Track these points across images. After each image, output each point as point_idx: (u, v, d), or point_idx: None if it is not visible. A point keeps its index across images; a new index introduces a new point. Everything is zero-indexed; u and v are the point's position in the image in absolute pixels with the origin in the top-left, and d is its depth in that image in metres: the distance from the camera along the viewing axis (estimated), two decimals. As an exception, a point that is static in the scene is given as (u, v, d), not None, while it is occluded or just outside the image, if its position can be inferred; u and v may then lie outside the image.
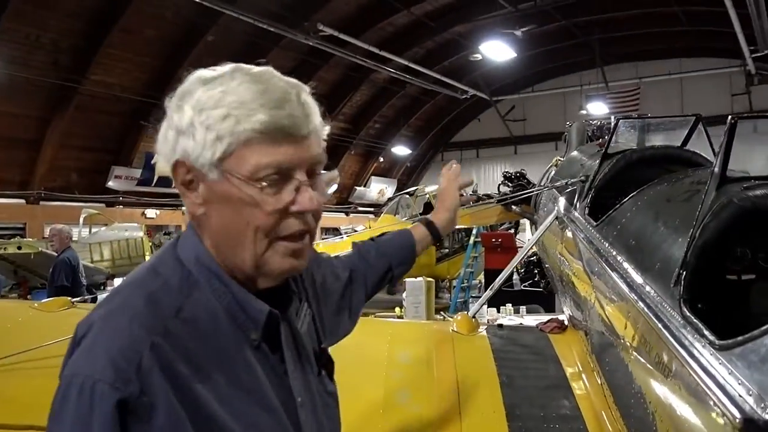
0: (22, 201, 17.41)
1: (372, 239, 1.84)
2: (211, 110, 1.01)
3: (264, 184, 1.02)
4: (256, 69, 1.06)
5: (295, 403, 1.12)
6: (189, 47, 16.87)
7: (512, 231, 12.69)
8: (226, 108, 1.01)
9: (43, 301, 3.70)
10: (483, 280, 11.21)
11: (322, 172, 1.12)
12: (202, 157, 1.03)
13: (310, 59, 20.28)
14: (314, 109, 1.08)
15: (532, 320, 4.95)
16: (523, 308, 6.84)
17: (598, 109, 22.18)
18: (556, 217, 3.76)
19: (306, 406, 1.14)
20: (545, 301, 8.00)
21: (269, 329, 1.11)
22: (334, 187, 24.72)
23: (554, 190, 4.39)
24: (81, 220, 14.54)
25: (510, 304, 6.92)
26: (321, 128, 1.10)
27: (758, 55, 17.81)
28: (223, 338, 1.07)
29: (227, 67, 1.07)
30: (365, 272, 1.67)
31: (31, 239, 13.85)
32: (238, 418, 1.03)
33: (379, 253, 1.77)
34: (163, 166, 1.09)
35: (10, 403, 2.45)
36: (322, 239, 15.20)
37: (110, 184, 18.53)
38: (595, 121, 6.05)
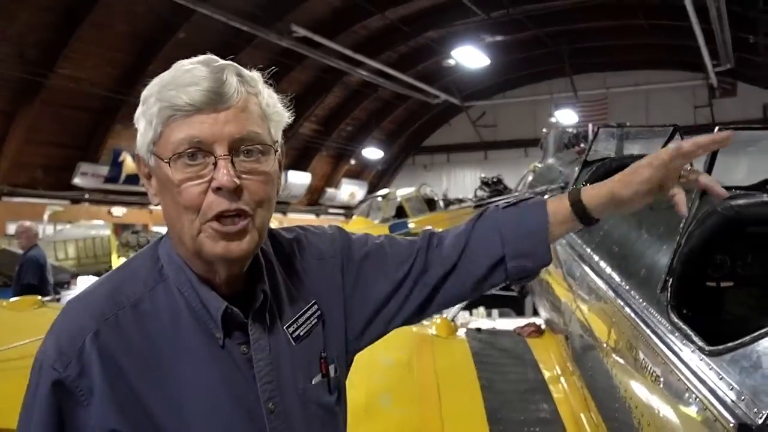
0: (-17, 197, 16.92)
1: (486, 212, 1.36)
2: (147, 100, 1.05)
3: (185, 161, 1.01)
4: (196, 57, 1.08)
5: (262, 410, 1.08)
6: (160, 44, 16.61)
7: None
8: (155, 95, 1.03)
9: (12, 300, 3.60)
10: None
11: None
12: (143, 146, 1.07)
13: (283, 60, 20.13)
14: (244, 89, 1.06)
15: (504, 323, 5.00)
16: (495, 311, 6.89)
17: (567, 117, 22.59)
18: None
19: (280, 415, 1.10)
20: (516, 305, 8.10)
21: (232, 328, 1.09)
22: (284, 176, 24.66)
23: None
24: (45, 217, 14.19)
25: (482, 307, 6.97)
26: (258, 108, 1.08)
27: (720, 69, 18.37)
28: (182, 335, 1.07)
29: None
30: (443, 265, 1.30)
31: (-8, 236, 13.46)
32: (186, 416, 1.03)
33: (484, 236, 1.30)
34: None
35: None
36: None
37: (76, 180, 18.09)
38: (571, 129, 6.14)
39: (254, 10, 16.27)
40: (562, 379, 3.05)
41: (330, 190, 28.30)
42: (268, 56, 19.94)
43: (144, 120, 1.05)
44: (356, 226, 13.28)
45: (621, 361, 2.08)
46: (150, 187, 1.10)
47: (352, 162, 28.82)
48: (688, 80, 22.50)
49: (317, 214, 28.42)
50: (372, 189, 27.29)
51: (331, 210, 29.06)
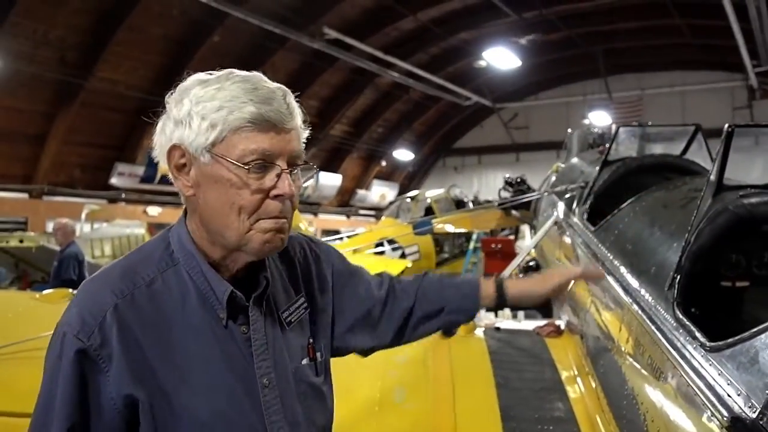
0: (25, 195, 17.45)
1: (429, 275, 1.70)
2: (206, 102, 1.16)
3: (250, 167, 1.15)
4: (246, 72, 1.21)
5: (256, 383, 1.22)
6: (195, 47, 16.93)
7: (512, 237, 12.72)
8: (219, 101, 1.15)
9: (45, 292, 3.73)
10: (482, 286, 11.21)
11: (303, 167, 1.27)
12: (196, 142, 1.16)
13: (315, 62, 20.33)
14: (297, 111, 1.23)
15: (529, 325, 4.97)
16: (521, 313, 6.84)
17: (601, 118, 22.23)
18: (555, 222, 3.79)
19: (274, 389, 1.23)
20: (543, 307, 8.01)
21: (235, 310, 1.22)
22: (312, 181, 24.79)
23: (554, 195, 4.42)
24: (83, 215, 14.57)
25: (508, 309, 6.92)
26: (302, 129, 1.25)
27: (761, 69, 17.87)
28: (190, 313, 1.20)
29: (222, 72, 1.21)
30: (408, 300, 1.58)
31: (32, 233, 13.87)
32: (193, 386, 1.16)
33: (433, 291, 1.62)
34: (157, 154, 1.24)
35: (11, 390, 2.48)
36: (324, 240, 15.20)
37: (113, 180, 18.57)
38: (596, 129, 6.08)
39: (286, 12, 16.45)
40: (578, 379, 3.03)
41: (361, 192, 28.40)
42: (300, 59, 20.17)
43: (203, 120, 1.16)
44: (385, 226, 13.32)
45: (629, 358, 2.08)
46: (184, 178, 1.20)
47: (383, 164, 28.88)
48: (726, 81, 21.95)
49: (348, 216, 28.56)
50: (402, 191, 27.30)
51: (361, 211, 29.15)
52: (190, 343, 1.18)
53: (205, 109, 1.15)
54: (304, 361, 1.33)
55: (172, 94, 1.23)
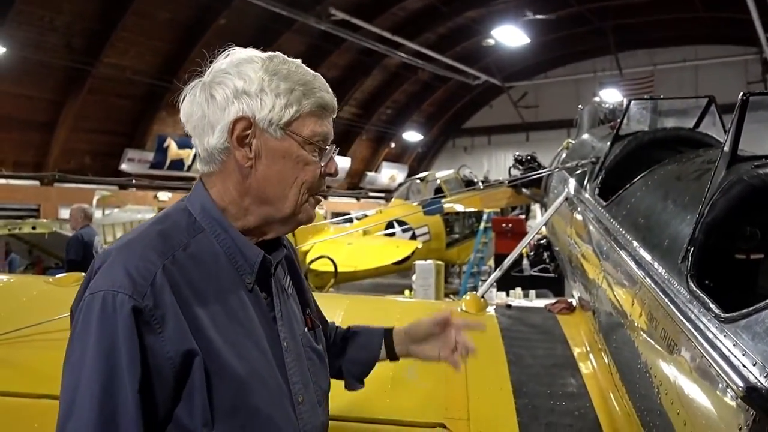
0: (37, 183, 17.58)
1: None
2: (281, 81, 1.25)
3: (316, 148, 1.28)
4: (286, 57, 1.32)
5: (281, 346, 1.29)
6: (201, 31, 16.88)
7: (523, 216, 12.67)
8: (293, 83, 1.26)
9: (57, 276, 3.75)
10: (493, 265, 11.21)
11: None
12: (269, 117, 1.24)
13: (322, 44, 20.22)
14: None
15: (541, 304, 4.96)
16: (532, 292, 6.84)
17: (612, 96, 21.97)
18: (566, 198, 3.75)
19: (291, 351, 1.31)
20: (555, 286, 8.00)
21: (262, 275, 1.29)
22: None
23: (564, 172, 4.38)
24: (94, 202, 14.66)
25: (519, 288, 6.92)
26: None
27: (775, 42, 17.61)
28: (222, 277, 1.24)
29: (270, 53, 1.30)
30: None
31: (45, 220, 13.99)
32: (232, 346, 1.19)
33: (340, 333, 1.79)
34: (191, 128, 1.28)
35: (26, 373, 2.50)
36: (332, 221, 15.23)
37: (123, 166, 18.65)
38: (607, 105, 6.01)
39: (293, -6, 16.33)
40: (590, 355, 3.02)
41: (370, 174, 28.38)
42: (307, 41, 20.06)
43: (278, 98, 1.25)
44: (395, 207, 13.31)
45: (642, 333, 2.06)
46: (243, 149, 1.25)
47: (392, 145, 28.81)
48: (740, 54, 21.65)
49: (357, 198, 28.57)
50: (412, 172, 27.25)
51: (371, 193, 29.14)
52: (227, 305, 1.22)
53: (279, 88, 1.24)
54: (304, 329, 1.41)
55: (213, 69, 1.27)
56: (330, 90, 1.33)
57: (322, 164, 1.31)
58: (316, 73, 1.33)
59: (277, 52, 1.31)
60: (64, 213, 16.01)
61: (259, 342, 1.25)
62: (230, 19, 16.84)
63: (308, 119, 1.27)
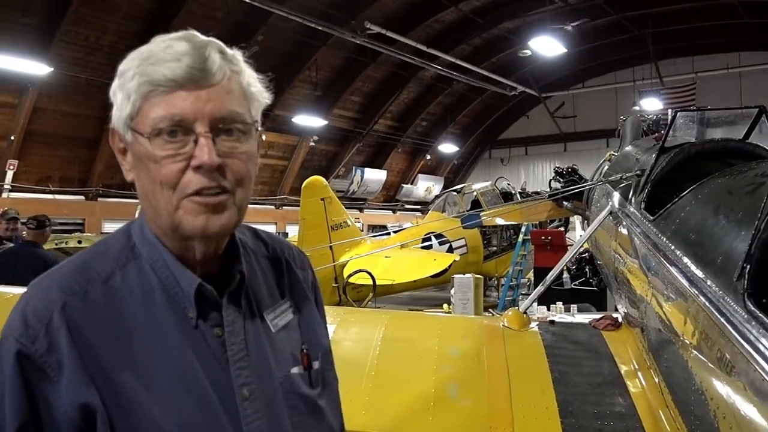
0: (82, 198, 18.08)
1: None
2: (125, 73, 1.04)
3: (164, 138, 1.00)
4: (174, 33, 1.05)
5: (233, 393, 1.05)
6: (239, 48, 17.18)
7: (562, 229, 12.48)
8: (133, 69, 1.02)
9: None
10: (532, 279, 11.06)
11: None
12: (119, 120, 1.05)
13: (358, 57, 20.39)
14: (229, 66, 1.05)
15: (583, 319, 4.88)
16: (574, 307, 6.71)
17: (652, 105, 21.55)
18: (610, 212, 3.68)
19: (256, 402, 1.06)
20: (596, 300, 7.84)
21: (206, 308, 1.06)
22: (357, 177, 24.50)
23: (608, 185, 4.30)
24: (136, 215, 14.97)
25: (560, 303, 6.80)
26: (244, 88, 1.07)
27: (824, 46, 17.03)
28: (154, 312, 1.04)
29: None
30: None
31: (90, 234, 14.37)
32: (156, 396, 1.00)
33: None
34: None
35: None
36: (371, 236, 15.27)
37: (164, 181, 19.04)
38: (650, 115, 5.89)
39: (328, 9, 16.54)
40: (639, 373, 2.95)
41: (406, 186, 28.38)
42: (343, 55, 20.25)
43: (121, 94, 1.03)
44: (431, 220, 13.27)
45: (696, 352, 2.00)
46: (125, 162, 1.08)
47: (428, 157, 28.78)
48: (786, 60, 21.03)
49: (393, 211, 28.58)
50: (448, 184, 27.16)
51: (407, 206, 29.13)
52: (153, 347, 1.01)
53: (122, 82, 1.03)
54: (295, 370, 1.15)
55: None
56: (190, 54, 1.01)
57: (187, 153, 1.00)
58: (177, 42, 1.03)
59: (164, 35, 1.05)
60: (108, 227, 16.44)
61: (198, 391, 1.02)
62: (267, 36, 17.11)
63: (148, 105, 1.01)
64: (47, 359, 0.97)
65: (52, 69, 14.38)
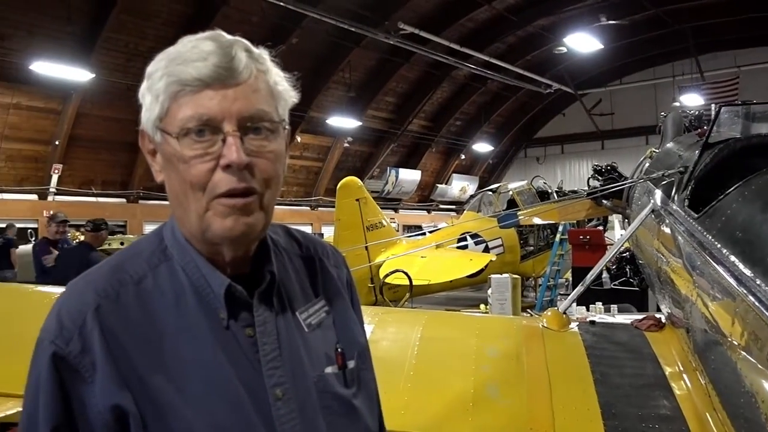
0: (123, 200, 18.54)
1: None
2: (153, 74, 1.04)
3: (193, 137, 1.00)
4: (201, 34, 1.05)
5: (266, 394, 1.04)
6: (274, 50, 17.39)
7: (601, 228, 12.26)
8: (161, 70, 1.02)
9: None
10: (570, 279, 10.90)
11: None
12: (148, 122, 1.05)
13: (391, 58, 20.42)
14: (255, 65, 1.04)
15: (624, 319, 4.79)
16: (614, 307, 6.59)
17: (692, 100, 21.06)
18: (652, 211, 3.60)
19: (290, 402, 1.05)
20: (637, 300, 7.68)
21: (237, 308, 1.06)
22: (392, 177, 24.39)
23: (649, 182, 4.21)
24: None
25: (600, 303, 6.68)
26: (271, 87, 1.07)
27: None
28: (185, 314, 1.04)
29: None
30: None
31: (131, 236, 14.72)
32: (188, 398, 0.99)
33: None
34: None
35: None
36: (406, 236, 15.26)
37: (202, 183, 19.39)
38: (692, 111, 5.75)
39: (361, 10, 16.62)
40: (684, 375, 2.87)
41: (441, 186, 28.30)
42: (376, 55, 20.31)
43: (150, 95, 1.03)
44: (466, 220, 13.19)
45: (745, 353, 1.94)
46: (154, 163, 1.09)
47: (462, 157, 28.65)
48: (834, 52, 20.30)
49: (428, 211, 28.53)
50: (483, 184, 26.99)
51: (442, 206, 29.04)
52: (185, 348, 1.02)
53: (150, 83, 1.03)
54: (329, 369, 1.13)
55: None
56: (217, 53, 1.00)
57: (215, 153, 0.99)
58: (204, 41, 1.02)
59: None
60: (149, 229, 16.80)
61: (231, 392, 1.02)
62: (301, 38, 17.26)
63: (176, 105, 1.00)
64: (81, 360, 0.98)
65: (93, 75, 14.79)
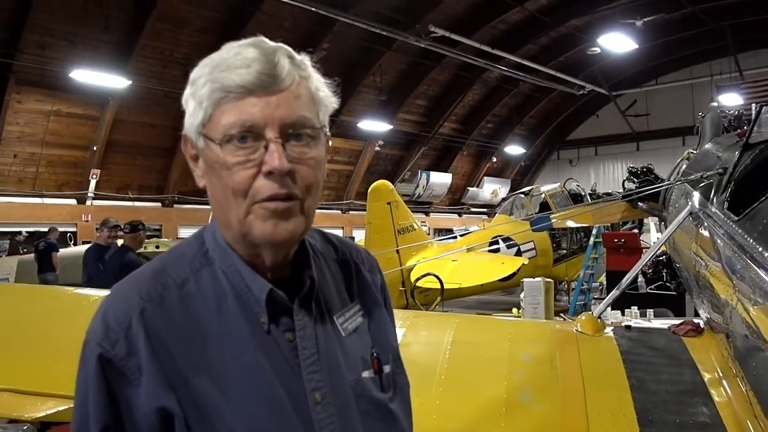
0: (159, 204, 18.89)
1: None
2: (196, 80, 1.04)
3: (235, 144, 1.00)
4: (244, 40, 1.06)
5: (306, 398, 1.04)
6: (307, 53, 17.57)
7: (636, 231, 12.05)
8: (205, 76, 1.03)
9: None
10: (605, 283, 10.73)
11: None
12: (191, 127, 1.06)
13: (422, 61, 20.41)
14: (298, 71, 1.05)
15: (661, 324, 4.70)
16: (650, 312, 6.46)
17: (731, 100, 20.55)
18: (690, 213, 3.52)
19: (329, 406, 1.05)
20: (674, 305, 7.53)
21: (277, 313, 1.06)
22: (423, 181, 24.29)
23: (687, 184, 4.12)
24: (209, 221, 15.52)
25: (635, 307, 6.56)
26: (312, 93, 1.07)
27: None
28: (227, 317, 1.05)
29: None
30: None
31: (167, 239, 14.98)
32: (230, 401, 1.01)
33: None
34: None
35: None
36: (437, 239, 15.22)
37: (235, 187, 19.66)
38: (731, 111, 5.61)
39: (392, 14, 16.67)
40: (724, 382, 2.80)
41: (472, 189, 28.16)
42: (407, 59, 20.33)
43: (193, 101, 1.04)
44: (498, 223, 13.10)
45: (790, 360, 1.88)
46: (197, 169, 1.09)
47: (494, 160, 28.47)
48: None
49: (459, 214, 28.41)
50: (515, 187, 26.77)
51: (473, 209, 28.89)
52: (227, 351, 1.03)
53: (194, 89, 1.04)
54: (366, 374, 1.13)
55: None
56: (260, 60, 1.01)
57: (257, 159, 1.00)
58: (247, 48, 1.03)
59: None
60: (183, 232, 17.11)
61: (272, 395, 1.03)
62: (333, 43, 17.38)
63: (219, 112, 1.01)
64: (127, 363, 1.00)
65: (130, 82, 15.12)
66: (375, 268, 1.30)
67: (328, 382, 1.07)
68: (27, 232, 15.56)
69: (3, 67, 14.36)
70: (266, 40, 1.06)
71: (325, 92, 1.11)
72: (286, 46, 1.07)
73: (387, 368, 1.17)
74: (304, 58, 1.09)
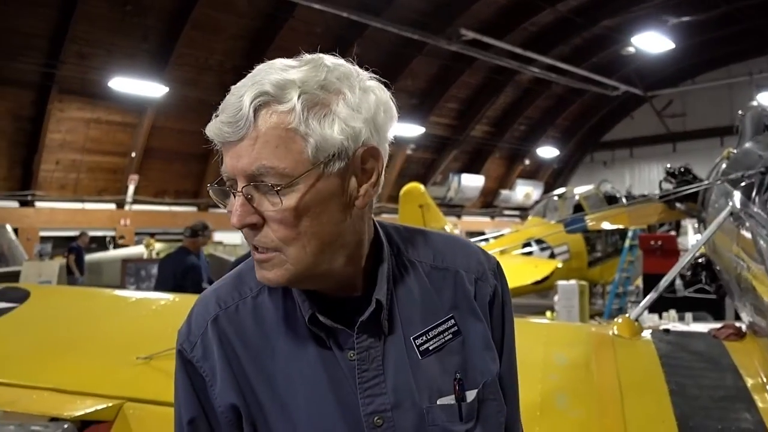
0: (195, 209, 19.22)
1: None
2: None
3: (231, 190, 0.99)
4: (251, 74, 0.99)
5: (360, 418, 1.01)
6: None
7: (674, 233, 11.80)
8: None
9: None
10: (641, 286, 10.53)
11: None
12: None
13: (453, 64, 20.37)
14: (268, 111, 0.93)
15: (701, 328, 4.59)
16: (688, 315, 6.32)
17: (772, 99, 20.03)
18: (731, 213, 3.44)
19: (391, 430, 1.01)
20: (713, 308, 7.35)
21: (335, 331, 1.03)
22: (454, 183, 24.06)
23: (727, 184, 4.03)
24: (243, 226, 15.74)
25: (673, 311, 6.43)
26: (293, 131, 0.93)
27: None
28: (293, 330, 1.05)
29: None
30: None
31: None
32: (290, 414, 1.02)
33: None
34: None
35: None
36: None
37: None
38: (773, 109, 5.46)
39: (422, 18, 16.68)
40: (768, 387, 2.72)
41: (504, 192, 27.95)
42: (438, 62, 20.32)
43: None
44: (531, 225, 12.96)
45: (838, 364, 1.82)
46: None
47: (526, 162, 28.22)
48: None
49: (492, 217, 28.22)
50: (548, 189, 26.47)
51: (505, 212, 28.67)
52: (292, 365, 1.03)
53: None
54: (443, 401, 1.05)
55: None
56: (231, 104, 0.94)
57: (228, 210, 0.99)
58: (237, 86, 0.97)
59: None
60: (218, 236, 17.35)
61: (329, 411, 1.02)
62: (363, 48, 17.46)
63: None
64: (203, 365, 1.05)
65: (167, 89, 15.44)
66: (486, 276, 1.17)
67: (393, 406, 1.02)
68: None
69: (46, 77, 14.83)
70: (259, 70, 0.99)
71: (325, 120, 0.95)
72: (268, 78, 0.95)
73: (471, 394, 1.07)
74: (288, 79, 0.95)
